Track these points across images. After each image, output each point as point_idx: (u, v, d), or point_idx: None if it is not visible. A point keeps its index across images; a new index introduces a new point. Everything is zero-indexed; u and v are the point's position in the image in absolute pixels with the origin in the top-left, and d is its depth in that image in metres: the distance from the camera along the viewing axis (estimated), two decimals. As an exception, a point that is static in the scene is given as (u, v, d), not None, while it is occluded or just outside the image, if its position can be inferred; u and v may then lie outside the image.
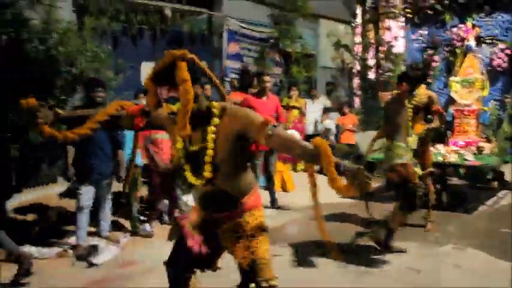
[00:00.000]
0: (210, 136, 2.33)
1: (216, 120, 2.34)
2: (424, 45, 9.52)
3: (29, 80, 5.64)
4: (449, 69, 8.97)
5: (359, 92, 14.29)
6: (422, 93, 5.37)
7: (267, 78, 6.42)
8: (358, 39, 14.38)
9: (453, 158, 6.76)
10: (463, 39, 8.73)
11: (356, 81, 14.43)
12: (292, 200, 7.09)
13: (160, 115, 2.52)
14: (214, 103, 2.39)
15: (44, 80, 5.73)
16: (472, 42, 8.51)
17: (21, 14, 5.43)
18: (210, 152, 2.33)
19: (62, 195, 6.54)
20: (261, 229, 2.49)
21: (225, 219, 2.48)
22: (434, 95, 5.60)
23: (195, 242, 2.47)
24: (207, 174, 2.35)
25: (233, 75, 10.24)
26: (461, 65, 8.46)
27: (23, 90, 5.74)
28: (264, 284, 2.40)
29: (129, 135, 5.50)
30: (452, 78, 8.44)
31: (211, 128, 2.34)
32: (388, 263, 4.59)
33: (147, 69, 9.17)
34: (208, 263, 2.63)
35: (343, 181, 2.09)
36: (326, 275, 4.34)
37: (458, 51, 8.75)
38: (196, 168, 2.39)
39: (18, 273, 4.23)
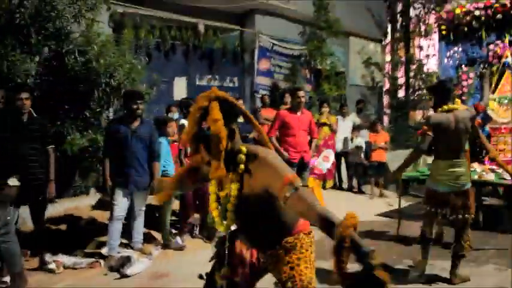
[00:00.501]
0: (234, 185, 2.23)
1: (242, 167, 2.21)
2: (458, 62, 9.37)
3: (68, 92, 5.74)
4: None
5: (388, 111, 14.16)
6: (459, 108, 5.20)
7: (301, 93, 6.39)
8: (388, 57, 14.32)
9: (490, 177, 6.55)
10: (500, 57, 8.56)
11: (386, 100, 14.32)
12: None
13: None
14: (245, 148, 2.23)
15: (82, 92, 5.80)
16: (509, 59, 8.32)
17: (63, 28, 5.53)
18: (232, 200, 2.24)
19: (94, 207, 6.60)
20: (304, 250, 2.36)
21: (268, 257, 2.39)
22: (473, 111, 5.44)
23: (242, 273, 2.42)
24: (230, 222, 2.30)
25: (264, 92, 10.24)
26: (498, 82, 8.27)
27: (62, 102, 5.92)
28: None
29: (164, 147, 5.53)
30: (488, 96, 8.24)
31: (233, 176, 2.24)
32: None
33: (179, 83, 9.29)
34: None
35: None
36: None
37: (494, 68, 8.57)
38: (224, 214, 2.32)
39: None
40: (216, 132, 2.10)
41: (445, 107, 4.48)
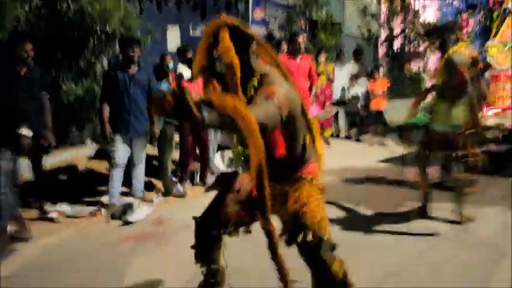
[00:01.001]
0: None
1: (252, 91, 2.13)
2: (458, 9, 9.17)
3: (61, 41, 5.56)
4: (485, 33, 8.62)
5: (384, 62, 14.02)
6: (465, 53, 5.03)
7: (300, 37, 6.21)
8: (384, 7, 14.05)
9: (489, 123, 6.52)
10: (501, 2, 8.36)
11: (381, 51, 14.14)
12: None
13: None
14: (261, 68, 2.17)
15: (76, 40, 5.61)
16: (510, 5, 8.13)
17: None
18: None
19: (91, 157, 6.49)
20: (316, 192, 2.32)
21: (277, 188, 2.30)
22: (477, 54, 5.30)
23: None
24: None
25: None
26: (499, 28, 8.11)
27: (56, 50, 5.73)
28: (310, 236, 2.20)
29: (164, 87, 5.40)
30: (488, 43, 8.09)
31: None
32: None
33: (172, 33, 9.05)
34: (242, 224, 2.51)
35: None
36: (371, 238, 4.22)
37: (495, 14, 8.38)
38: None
39: None
40: (229, 62, 1.99)
41: (455, 48, 4.37)
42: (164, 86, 5.45)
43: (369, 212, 4.82)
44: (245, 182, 2.42)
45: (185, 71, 5.79)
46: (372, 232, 4.28)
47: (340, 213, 4.77)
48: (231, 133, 2.34)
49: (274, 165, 2.14)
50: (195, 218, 2.54)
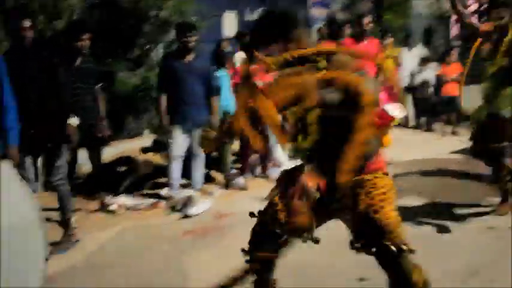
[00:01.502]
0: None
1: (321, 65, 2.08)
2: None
3: (116, 29, 5.74)
4: None
5: (458, 43, 13.49)
6: None
7: (367, 19, 6.11)
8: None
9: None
10: None
11: (454, 31, 13.62)
12: (390, 155, 6.86)
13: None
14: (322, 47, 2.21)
15: (130, 28, 5.79)
16: None
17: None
18: (314, 110, 2.07)
19: (148, 149, 6.69)
20: (386, 190, 2.18)
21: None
22: None
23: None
24: (313, 136, 2.14)
25: (319, 25, 9.91)
26: None
27: (110, 40, 5.93)
28: (392, 247, 2.06)
29: (224, 80, 5.47)
30: None
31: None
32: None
33: (229, 18, 9.13)
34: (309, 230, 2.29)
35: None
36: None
37: None
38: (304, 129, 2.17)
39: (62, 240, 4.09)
40: (272, 124, 1.94)
41: None
42: (222, 74, 5.52)
43: (442, 207, 4.71)
44: (311, 183, 2.25)
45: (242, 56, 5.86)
46: (445, 229, 4.20)
47: (411, 209, 4.68)
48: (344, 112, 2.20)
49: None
50: (252, 214, 2.41)
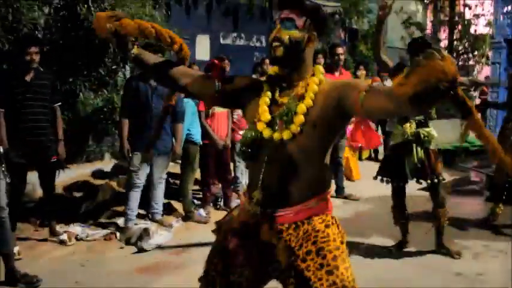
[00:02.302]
0: (312, 87, 1.89)
1: (321, 76, 1.93)
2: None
3: (80, 46, 5.46)
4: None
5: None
6: None
7: (340, 50, 6.00)
8: (430, 17, 13.68)
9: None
10: None
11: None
12: (359, 189, 6.69)
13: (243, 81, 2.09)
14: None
15: (97, 47, 5.51)
16: None
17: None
18: (308, 101, 1.87)
19: (110, 174, 6.38)
20: (339, 241, 1.94)
21: (286, 219, 1.92)
22: None
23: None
24: (294, 128, 1.85)
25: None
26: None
27: (74, 57, 5.63)
28: None
29: (189, 104, 5.24)
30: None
31: (315, 79, 1.91)
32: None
33: (202, 41, 8.93)
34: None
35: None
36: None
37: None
38: (274, 122, 1.90)
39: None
40: None
41: None
42: (190, 102, 5.27)
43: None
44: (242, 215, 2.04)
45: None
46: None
47: (380, 253, 4.47)
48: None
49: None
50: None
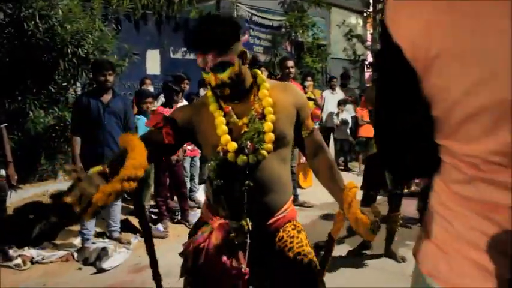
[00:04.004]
0: (267, 100, 1.82)
1: (266, 85, 1.87)
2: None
3: (28, 64, 5.19)
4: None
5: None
6: None
7: (290, 63, 5.98)
8: (370, 29, 13.99)
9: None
10: None
11: (368, 74, 14.01)
12: (313, 197, 6.68)
13: (186, 111, 1.94)
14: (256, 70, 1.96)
15: (46, 64, 5.26)
16: None
17: (20, -11, 4.96)
18: (271, 117, 1.80)
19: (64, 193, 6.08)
20: (309, 246, 1.98)
21: (265, 228, 1.88)
22: None
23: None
24: (268, 146, 1.79)
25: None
26: None
27: (23, 75, 5.35)
28: None
29: (141, 121, 5.07)
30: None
31: (264, 92, 1.84)
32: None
33: (152, 56, 8.74)
34: None
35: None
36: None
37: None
38: (244, 148, 1.80)
39: None
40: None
41: None
42: (142, 118, 5.10)
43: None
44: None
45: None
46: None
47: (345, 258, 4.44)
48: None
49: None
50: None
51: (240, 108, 1.86)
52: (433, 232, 1.01)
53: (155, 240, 5.09)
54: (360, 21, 13.69)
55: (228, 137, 1.80)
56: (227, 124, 1.83)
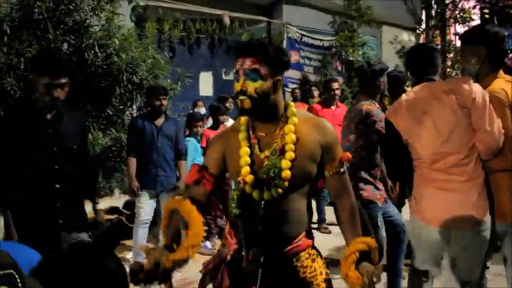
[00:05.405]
0: (290, 136, 1.85)
1: (294, 119, 1.90)
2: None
3: (88, 89, 5.55)
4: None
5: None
6: None
7: (335, 84, 6.05)
8: (423, 46, 13.75)
9: None
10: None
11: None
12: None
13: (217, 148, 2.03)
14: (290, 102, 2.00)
15: (104, 89, 5.59)
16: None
17: (82, 22, 5.32)
18: (290, 154, 1.83)
19: (117, 210, 6.38)
20: (325, 273, 1.98)
21: (278, 257, 1.94)
22: None
23: None
24: (283, 184, 1.82)
25: (293, 86, 9.90)
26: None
27: (83, 99, 5.71)
28: None
29: (191, 143, 5.28)
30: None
31: (290, 127, 1.87)
32: None
33: (205, 78, 9.03)
34: None
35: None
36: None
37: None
38: (262, 181, 1.85)
39: None
40: None
41: None
42: (192, 140, 5.32)
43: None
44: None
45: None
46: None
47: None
48: None
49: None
50: None
51: (266, 140, 1.92)
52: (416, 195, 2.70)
53: (202, 257, 5.27)
54: (413, 38, 13.50)
55: (248, 168, 1.87)
56: (251, 155, 1.90)
